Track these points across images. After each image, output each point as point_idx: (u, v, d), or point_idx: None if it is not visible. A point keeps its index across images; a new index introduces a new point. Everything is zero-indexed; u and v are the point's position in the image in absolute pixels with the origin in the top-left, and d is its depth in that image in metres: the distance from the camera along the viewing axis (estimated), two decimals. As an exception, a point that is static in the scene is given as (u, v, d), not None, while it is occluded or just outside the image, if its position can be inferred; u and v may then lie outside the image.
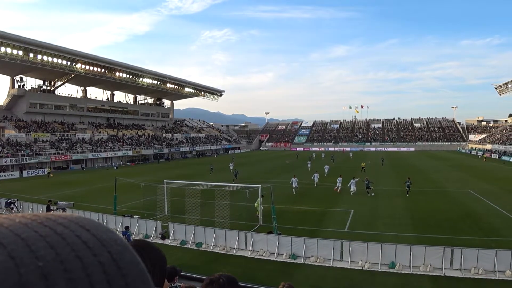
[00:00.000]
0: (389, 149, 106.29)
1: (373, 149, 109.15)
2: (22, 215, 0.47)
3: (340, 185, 32.20)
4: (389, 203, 26.93)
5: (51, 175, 52.83)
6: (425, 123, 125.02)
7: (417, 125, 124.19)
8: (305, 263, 15.51)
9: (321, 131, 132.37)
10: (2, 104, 73.00)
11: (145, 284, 0.48)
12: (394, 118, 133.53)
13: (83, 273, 0.42)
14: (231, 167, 49.51)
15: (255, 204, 23.35)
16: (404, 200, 28.43)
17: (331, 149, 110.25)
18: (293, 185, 31.82)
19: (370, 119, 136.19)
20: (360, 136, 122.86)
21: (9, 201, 27.40)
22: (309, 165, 52.00)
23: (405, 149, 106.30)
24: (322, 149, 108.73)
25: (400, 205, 26.68)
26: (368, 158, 74.04)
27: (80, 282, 0.41)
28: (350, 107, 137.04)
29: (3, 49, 58.07)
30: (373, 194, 30.14)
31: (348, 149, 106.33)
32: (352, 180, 31.09)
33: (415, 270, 14.23)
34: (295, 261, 15.76)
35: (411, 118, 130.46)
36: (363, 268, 14.67)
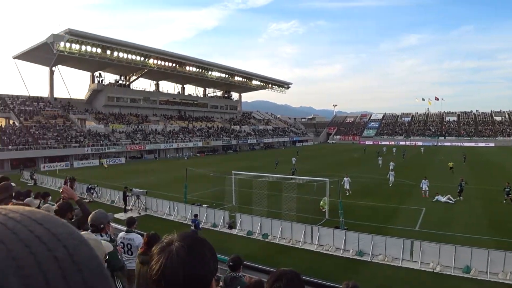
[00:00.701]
0: (466, 144, 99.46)
1: (447, 143, 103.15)
2: None
3: (426, 189, 27.73)
4: (466, 203, 25.29)
5: (105, 165, 55.08)
6: (507, 116, 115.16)
7: (497, 118, 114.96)
8: (372, 261, 15.12)
9: (391, 124, 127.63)
10: (84, 98, 78.63)
11: (102, 279, 0.47)
12: (471, 111, 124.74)
13: (37, 269, 0.40)
14: (294, 162, 46.61)
15: (321, 202, 23.05)
16: (483, 201, 26.52)
17: (401, 143, 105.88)
18: (345, 186, 28.14)
19: (444, 111, 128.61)
20: (433, 130, 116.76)
21: (90, 186, 29.63)
22: (380, 162, 48.17)
23: (483, 144, 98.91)
24: (392, 143, 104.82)
25: (478, 205, 24.96)
26: (442, 153, 70.31)
27: (35, 278, 0.39)
28: (423, 99, 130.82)
29: (84, 47, 62.52)
30: (461, 198, 26.24)
31: (420, 143, 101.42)
32: (423, 180, 28.26)
33: (493, 277, 13.22)
34: (361, 258, 15.42)
35: (491, 111, 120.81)
36: (434, 271, 13.96)
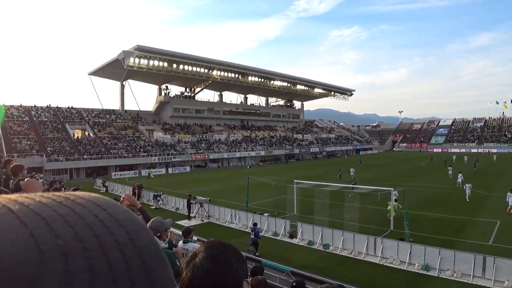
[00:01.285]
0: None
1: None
2: (42, 195, 0.48)
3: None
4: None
5: (152, 176, 54.42)
6: None
7: None
8: (440, 276, 14.34)
9: (462, 130, 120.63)
10: (152, 110, 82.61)
11: (162, 264, 0.49)
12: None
13: (100, 252, 0.42)
14: (352, 173, 41.95)
15: (388, 206, 22.38)
16: None
17: (473, 150, 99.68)
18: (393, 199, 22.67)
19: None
20: (509, 136, 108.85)
21: (156, 194, 30.96)
22: (450, 171, 42.31)
23: None
24: (463, 150, 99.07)
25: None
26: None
27: (98, 260, 0.42)
28: (497, 102, 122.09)
29: (151, 62, 66.42)
30: None
31: (494, 150, 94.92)
32: (509, 193, 24.75)
33: None
34: (427, 273, 14.68)
35: None
36: (510, 288, 13.03)
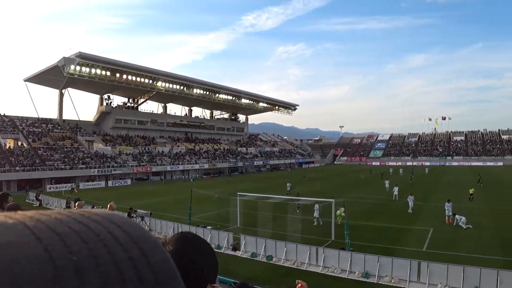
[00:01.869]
0: (474, 163, 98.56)
1: (455, 163, 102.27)
2: (58, 211, 0.49)
3: (450, 214, 25.13)
4: (474, 222, 24.79)
5: (76, 191, 50.10)
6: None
7: (505, 137, 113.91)
8: (379, 282, 14.78)
9: (398, 145, 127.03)
10: (92, 120, 79.51)
11: (175, 281, 0.49)
12: (478, 130, 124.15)
13: (114, 268, 0.43)
14: (289, 188, 41.66)
15: (337, 212, 23.15)
16: (492, 220, 26.11)
17: (409, 163, 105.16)
18: (315, 214, 25.19)
19: (451, 131, 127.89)
20: (440, 150, 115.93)
21: (94, 207, 29.48)
22: (387, 184, 43.51)
23: (491, 163, 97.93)
24: (400, 163, 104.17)
25: (487, 225, 24.52)
26: (449, 173, 69.68)
27: (112, 277, 0.42)
28: (430, 119, 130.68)
29: (93, 70, 63.88)
30: None
31: (427, 163, 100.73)
32: (447, 203, 25.45)
33: (503, 297, 12.92)
34: (367, 280, 15.09)
35: (499, 130, 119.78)
36: (443, 291, 13.65)
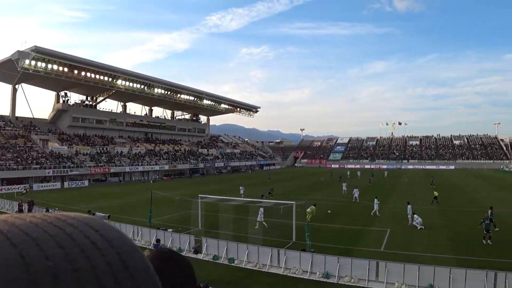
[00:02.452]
0: (428, 167, 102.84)
1: (410, 166, 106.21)
2: (33, 215, 0.48)
3: (410, 216, 25.76)
4: (428, 223, 25.83)
5: (24, 192, 47.68)
6: (465, 140, 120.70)
7: (457, 142, 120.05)
8: (339, 282, 15.10)
9: (357, 148, 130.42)
10: (47, 118, 76.52)
11: (154, 286, 0.48)
12: (432, 135, 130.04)
13: (91, 273, 0.42)
14: (242, 192, 40.00)
15: (308, 209, 24.43)
16: (444, 220, 27.33)
17: (367, 166, 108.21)
18: (259, 217, 25.14)
19: (407, 136, 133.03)
20: (397, 153, 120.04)
21: (49, 210, 28.41)
22: (345, 187, 43.62)
23: (444, 167, 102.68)
24: (358, 166, 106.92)
25: (440, 225, 25.64)
26: (405, 176, 72.15)
27: (89, 282, 0.41)
28: (387, 124, 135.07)
29: (50, 66, 61.31)
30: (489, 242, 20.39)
31: (384, 166, 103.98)
32: (409, 206, 26.31)
33: (455, 294, 13.55)
34: (328, 280, 15.37)
35: (451, 135, 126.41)
36: (400, 290, 14.12)
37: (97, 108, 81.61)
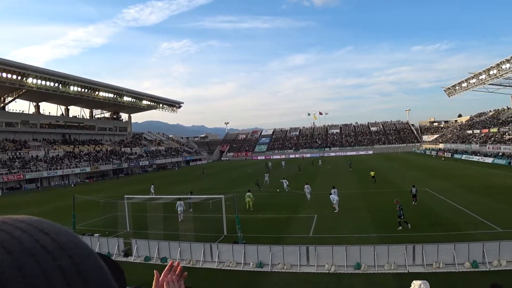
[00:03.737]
0: (348, 153, 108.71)
1: (333, 154, 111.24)
2: None
3: (335, 200, 26.19)
4: (351, 206, 27.38)
5: None
6: (381, 126, 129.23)
7: (373, 128, 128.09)
8: (273, 270, 15.48)
9: (281, 139, 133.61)
10: None
11: None
12: (351, 123, 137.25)
13: (42, 279, 0.40)
14: (152, 191, 38.61)
15: (247, 198, 27.11)
16: (365, 202, 29.12)
17: (292, 156, 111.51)
18: (179, 211, 26.33)
19: (328, 125, 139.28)
20: (319, 142, 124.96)
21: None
22: (267, 178, 45.79)
23: (363, 152, 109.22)
24: (283, 156, 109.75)
25: (361, 207, 27.26)
26: (329, 163, 75.37)
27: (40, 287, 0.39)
28: (309, 114, 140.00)
29: None
30: (409, 226, 20.58)
31: (308, 155, 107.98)
32: (333, 190, 27.26)
33: (380, 269, 14.54)
34: (262, 270, 15.69)
35: (368, 123, 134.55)
36: (330, 271, 14.81)
37: (6, 109, 75.16)
